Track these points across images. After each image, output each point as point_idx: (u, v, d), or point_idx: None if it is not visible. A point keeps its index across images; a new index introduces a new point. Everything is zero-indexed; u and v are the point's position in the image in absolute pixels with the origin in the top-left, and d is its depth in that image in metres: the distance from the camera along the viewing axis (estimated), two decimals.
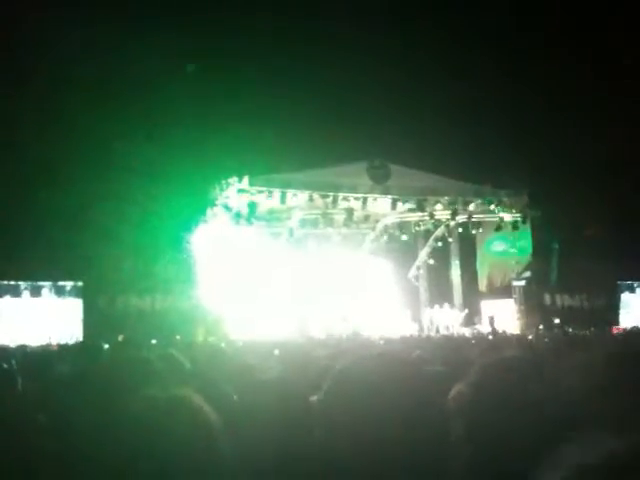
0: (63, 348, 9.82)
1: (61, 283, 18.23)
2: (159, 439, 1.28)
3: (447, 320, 21.42)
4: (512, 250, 21.33)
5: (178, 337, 13.21)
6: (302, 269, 21.37)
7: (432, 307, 22.46)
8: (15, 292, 17.96)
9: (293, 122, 17.41)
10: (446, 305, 21.97)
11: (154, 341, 12.00)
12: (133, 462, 1.26)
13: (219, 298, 18.48)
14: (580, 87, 17.77)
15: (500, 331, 17.05)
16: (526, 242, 20.95)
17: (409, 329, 19.78)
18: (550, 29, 18.06)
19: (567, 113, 18.25)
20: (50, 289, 18.30)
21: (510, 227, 20.65)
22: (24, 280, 17.94)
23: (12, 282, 17.87)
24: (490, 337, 13.09)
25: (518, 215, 20.48)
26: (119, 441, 1.29)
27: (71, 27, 15.71)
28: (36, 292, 18.18)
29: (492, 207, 20.20)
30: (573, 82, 17.78)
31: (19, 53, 15.87)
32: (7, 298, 17.85)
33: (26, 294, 18.08)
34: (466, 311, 21.73)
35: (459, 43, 18.24)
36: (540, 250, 20.70)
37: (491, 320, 20.21)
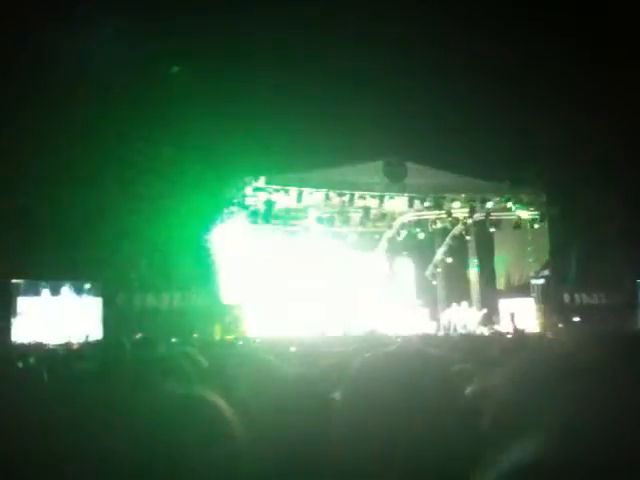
0: (84, 346, 9.92)
1: (80, 282, 18.40)
2: (175, 436, 1.28)
3: (465, 319, 21.31)
4: (530, 248, 21.19)
5: (195, 335, 13.27)
6: (318, 268, 21.38)
7: (450, 306, 22.37)
8: (34, 291, 18.15)
9: (309, 121, 17.41)
10: (464, 304, 21.86)
11: (173, 339, 12.08)
12: (149, 459, 1.26)
13: (236, 296, 18.55)
14: (600, 82, 17.58)
15: (521, 329, 16.91)
16: (544, 240, 20.80)
17: (426, 328, 19.72)
18: (571, 23, 17.90)
19: (586, 108, 18.07)
20: (69, 288, 18.47)
21: (528, 225, 20.52)
22: (43, 279, 18.12)
23: (31, 281, 18.05)
24: (510, 335, 12.98)
25: (536, 213, 20.34)
26: (135, 438, 1.30)
27: (89, 27, 15.85)
28: (55, 291, 18.36)
29: (510, 205, 20.08)
30: (593, 77, 17.60)
31: (42, 52, 16.01)
32: (27, 297, 18.04)
33: (45, 293, 18.27)
34: (485, 310, 21.59)
35: (476, 39, 18.12)
36: (559, 248, 20.54)
37: (512, 317, 20.07)
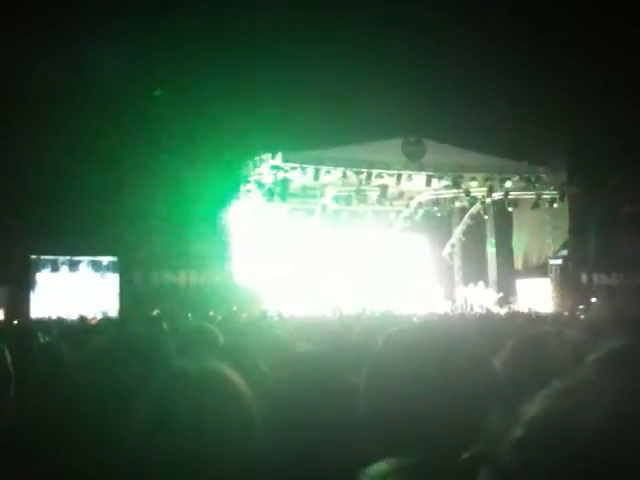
0: (101, 321, 10.01)
1: (98, 258, 18.54)
2: (189, 411, 1.30)
3: (481, 299, 21.23)
4: (549, 228, 20.99)
5: (212, 313, 13.33)
6: (335, 246, 21.35)
7: (466, 285, 22.28)
8: (54, 267, 18.33)
9: (327, 98, 17.26)
10: (481, 283, 21.77)
11: (189, 316, 12.16)
12: (161, 433, 1.28)
13: (253, 274, 18.60)
14: (624, 59, 17.24)
15: (535, 310, 16.83)
16: (563, 220, 20.58)
17: (443, 307, 19.68)
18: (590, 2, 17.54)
19: (606, 85, 17.75)
20: (88, 264, 18.63)
21: (547, 204, 20.30)
22: (62, 255, 18.28)
23: (51, 257, 18.22)
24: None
25: (555, 192, 20.11)
26: (149, 411, 1.32)
27: (101, 24, 15.81)
28: (74, 267, 18.52)
29: (529, 184, 19.86)
30: (617, 53, 17.25)
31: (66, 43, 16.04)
32: (46, 272, 18.22)
33: (64, 269, 18.44)
34: (501, 294, 21.45)
35: (497, 13, 17.81)
36: (578, 228, 20.31)
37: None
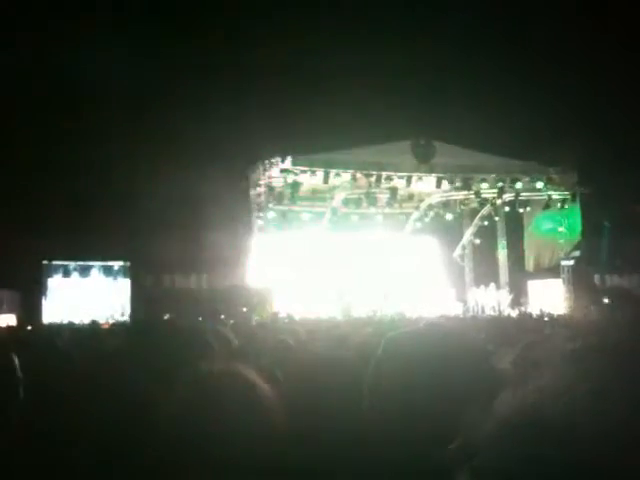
0: (113, 326, 10.03)
1: (109, 263, 18.61)
2: (213, 412, 1.33)
3: (493, 300, 21.12)
4: (561, 229, 20.84)
5: (223, 316, 13.34)
6: (345, 249, 21.31)
7: (478, 287, 22.17)
8: (65, 272, 18.42)
9: (336, 101, 17.27)
10: (492, 285, 21.65)
11: (200, 319, 12.17)
12: (187, 432, 1.29)
13: (264, 278, 18.60)
14: (634, 60, 17.14)
15: (548, 312, 16.73)
16: (575, 220, 20.43)
17: (454, 309, 19.59)
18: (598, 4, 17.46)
19: (617, 86, 17.66)
20: (99, 269, 18.70)
21: (559, 205, 20.18)
22: (74, 260, 18.37)
23: (62, 262, 18.31)
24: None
25: (567, 193, 19.98)
26: (173, 413, 1.34)
27: (106, 24, 15.89)
28: (86, 272, 18.61)
29: (540, 185, 19.73)
30: (626, 54, 17.16)
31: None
32: (57, 278, 18.31)
33: (76, 274, 18.52)
34: (512, 296, 21.33)
35: (504, 17, 17.77)
36: (590, 229, 20.17)
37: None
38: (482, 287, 21.81)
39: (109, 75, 16.50)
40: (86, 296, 18.07)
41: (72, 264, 18.42)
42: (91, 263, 18.52)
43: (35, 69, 15.92)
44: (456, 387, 1.31)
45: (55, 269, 18.33)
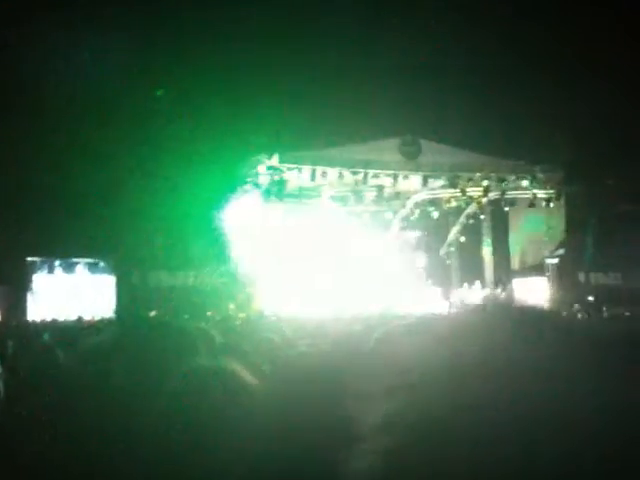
0: (98, 323, 9.99)
1: (95, 260, 18.50)
2: (203, 407, 1.34)
3: (478, 298, 21.24)
4: (545, 227, 20.99)
5: (209, 313, 13.34)
6: (331, 247, 21.32)
7: (463, 285, 22.29)
8: (50, 268, 18.29)
9: (323, 98, 17.27)
10: (477, 283, 21.78)
11: (186, 317, 12.15)
12: (176, 428, 1.30)
13: (250, 275, 18.58)
14: (619, 56, 17.27)
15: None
16: (560, 219, 20.60)
17: (440, 307, 19.69)
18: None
19: (603, 84, 17.78)
20: (84, 266, 18.59)
21: (544, 204, 20.32)
22: (59, 257, 18.24)
23: (46, 259, 18.18)
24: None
25: (552, 191, 20.12)
26: (165, 409, 1.34)
27: (100, 22, 15.80)
28: (70, 269, 18.49)
29: (526, 183, 19.87)
30: (611, 50, 17.28)
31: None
32: (42, 274, 18.18)
33: (60, 271, 18.40)
34: (497, 293, 21.47)
35: (489, 14, 17.84)
36: (574, 227, 20.33)
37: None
38: (467, 285, 21.93)
39: (94, 73, 16.42)
40: (71, 293, 17.97)
41: (57, 261, 18.30)
42: (76, 260, 18.41)
43: (24, 66, 15.80)
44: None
45: (40, 265, 18.20)
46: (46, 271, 18.23)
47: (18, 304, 16.90)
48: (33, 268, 18.09)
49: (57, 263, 18.34)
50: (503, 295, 20.86)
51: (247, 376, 1.44)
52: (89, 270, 18.58)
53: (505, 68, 17.94)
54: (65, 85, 16.10)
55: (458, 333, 1.46)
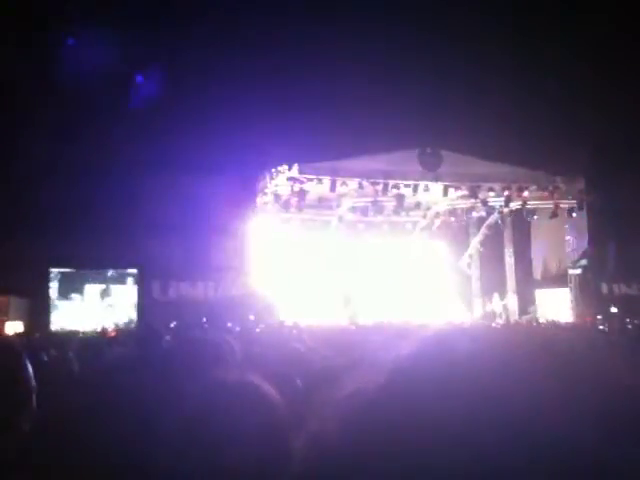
0: (122, 332, 10.06)
1: (117, 270, 18.63)
2: (227, 422, 1.32)
3: (500, 309, 21.07)
4: (568, 238, 20.80)
5: (230, 324, 13.34)
6: (352, 257, 21.32)
7: (485, 296, 22.13)
8: (71, 280, 18.43)
9: (343, 109, 17.29)
10: (499, 294, 21.61)
11: (206, 327, 12.18)
12: (197, 442, 1.28)
13: (271, 285, 18.62)
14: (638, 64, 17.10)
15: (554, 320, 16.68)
16: (582, 229, 20.40)
17: (461, 318, 19.55)
18: (607, 9, 17.43)
19: (624, 93, 17.60)
20: (106, 277, 18.72)
21: (566, 214, 20.15)
22: (81, 268, 18.38)
23: (69, 270, 18.34)
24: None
25: (574, 201, 19.95)
26: (185, 423, 1.33)
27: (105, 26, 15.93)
28: (92, 280, 18.62)
29: (547, 193, 19.72)
30: (634, 59, 17.12)
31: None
32: (64, 285, 18.32)
33: (81, 282, 18.53)
34: (519, 304, 21.27)
35: (510, 27, 17.77)
36: (597, 237, 20.11)
37: None
38: (489, 295, 21.77)
39: (113, 78, 16.57)
40: (94, 304, 18.10)
41: (79, 272, 18.45)
42: (98, 271, 18.55)
43: (36, 67, 15.96)
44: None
45: (62, 277, 18.35)
46: (69, 282, 18.39)
47: (41, 315, 17.04)
48: (55, 279, 18.26)
49: (79, 274, 18.49)
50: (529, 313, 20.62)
51: (273, 393, 1.42)
52: (111, 280, 18.72)
53: (526, 79, 17.85)
54: (87, 89, 16.21)
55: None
